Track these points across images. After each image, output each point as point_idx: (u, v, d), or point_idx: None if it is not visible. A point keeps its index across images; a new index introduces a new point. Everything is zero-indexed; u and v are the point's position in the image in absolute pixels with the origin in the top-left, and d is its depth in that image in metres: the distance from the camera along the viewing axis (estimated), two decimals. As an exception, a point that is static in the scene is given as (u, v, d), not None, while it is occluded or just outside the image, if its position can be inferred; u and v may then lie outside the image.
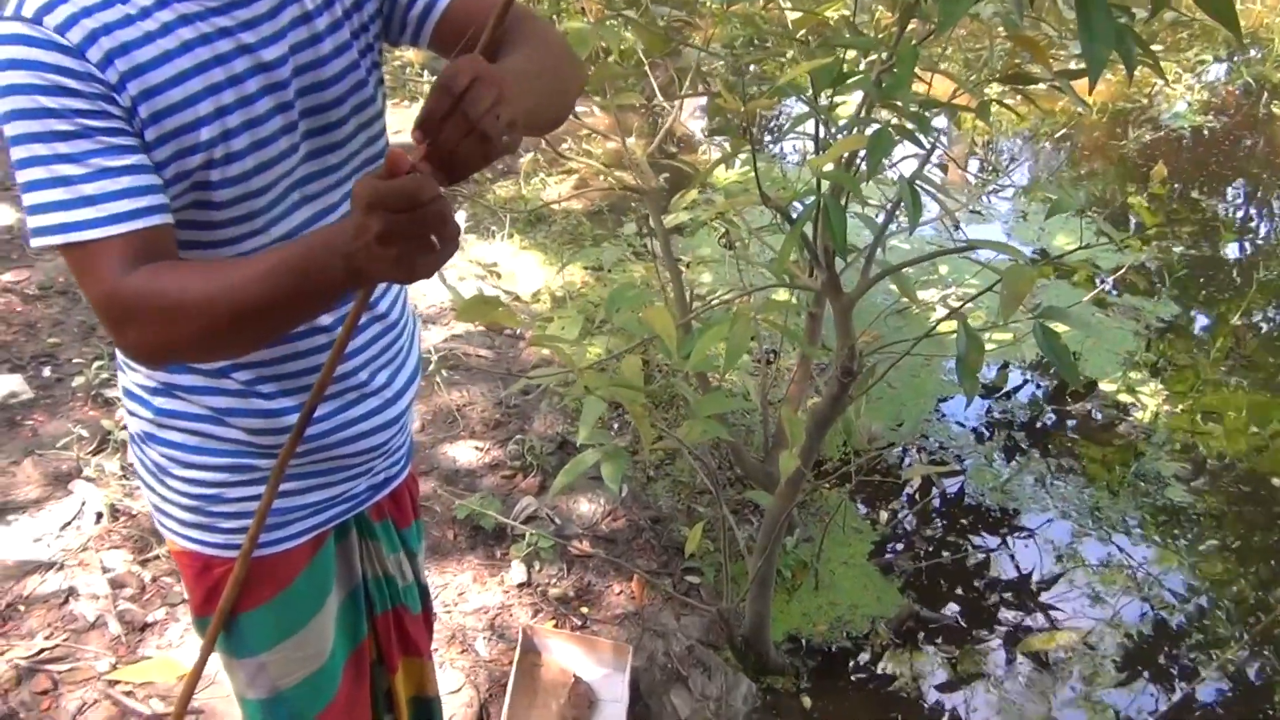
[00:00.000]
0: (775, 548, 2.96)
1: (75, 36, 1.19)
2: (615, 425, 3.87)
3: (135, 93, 1.22)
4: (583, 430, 2.63)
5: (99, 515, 3.17)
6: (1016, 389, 4.60)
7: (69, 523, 3.15)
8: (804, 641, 3.28)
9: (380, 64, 1.51)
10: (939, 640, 3.37)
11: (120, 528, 3.16)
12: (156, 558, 3.08)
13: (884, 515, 3.81)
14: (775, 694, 3.11)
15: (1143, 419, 4.34)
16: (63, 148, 1.20)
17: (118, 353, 1.56)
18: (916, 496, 3.97)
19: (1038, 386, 4.63)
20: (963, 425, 4.33)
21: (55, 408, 3.61)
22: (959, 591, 3.57)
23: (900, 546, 3.73)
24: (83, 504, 3.20)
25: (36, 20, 1.18)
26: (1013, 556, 3.72)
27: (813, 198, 2.15)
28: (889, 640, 3.32)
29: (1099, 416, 4.40)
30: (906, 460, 4.09)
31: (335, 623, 1.81)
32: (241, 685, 1.77)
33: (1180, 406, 4.44)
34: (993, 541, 3.77)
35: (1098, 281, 5.15)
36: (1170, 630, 3.47)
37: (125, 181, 1.22)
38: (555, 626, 3.06)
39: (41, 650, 2.79)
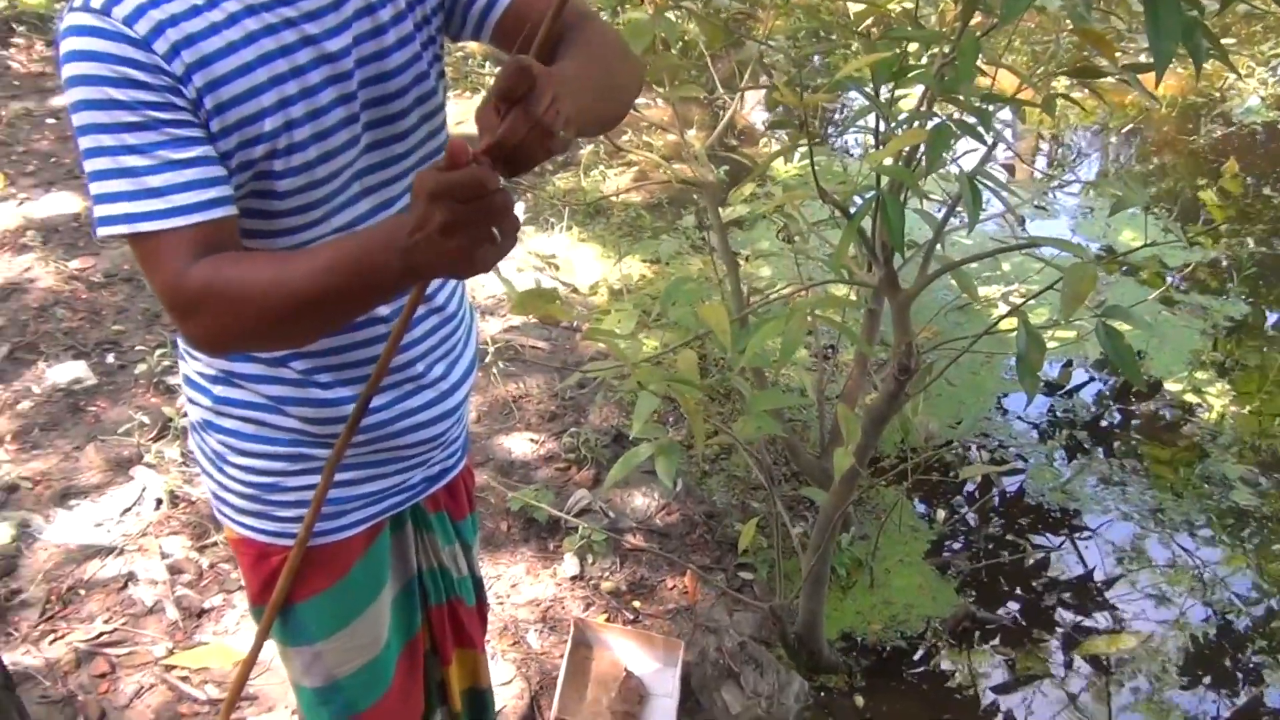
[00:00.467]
0: (829, 545, 2.93)
1: (142, 28, 1.19)
2: (670, 419, 3.85)
3: (201, 84, 1.23)
4: (636, 424, 2.62)
5: (159, 501, 3.21)
6: (1080, 387, 4.53)
7: (129, 508, 3.19)
8: (858, 640, 3.25)
9: (442, 56, 1.51)
10: (996, 641, 3.33)
11: (179, 514, 3.20)
12: (214, 544, 3.11)
13: (941, 514, 3.77)
14: (828, 692, 3.08)
15: (1209, 420, 4.26)
16: (129, 139, 1.21)
17: (179, 340, 1.58)
18: (975, 495, 3.92)
19: (1101, 385, 4.56)
20: (1024, 423, 4.27)
21: (118, 394, 3.66)
22: (1017, 592, 3.52)
23: (958, 546, 3.68)
24: (143, 490, 3.24)
25: (105, 11, 1.19)
26: (1073, 557, 3.67)
27: (871, 193, 2.13)
28: (945, 640, 3.29)
29: (1164, 416, 4.33)
30: (968, 458, 4.03)
31: (390, 614, 1.82)
32: (297, 673, 1.78)
33: (1248, 407, 4.35)
34: (1053, 541, 3.72)
35: (1165, 279, 5.06)
36: (1235, 633, 3.40)
37: (190, 174, 1.23)
38: (607, 620, 3.05)
39: (100, 634, 2.83)
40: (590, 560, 3.24)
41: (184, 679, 2.74)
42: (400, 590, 1.85)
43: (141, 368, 3.71)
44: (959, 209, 2.42)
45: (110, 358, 3.84)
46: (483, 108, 1.11)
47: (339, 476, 1.59)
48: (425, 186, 1.05)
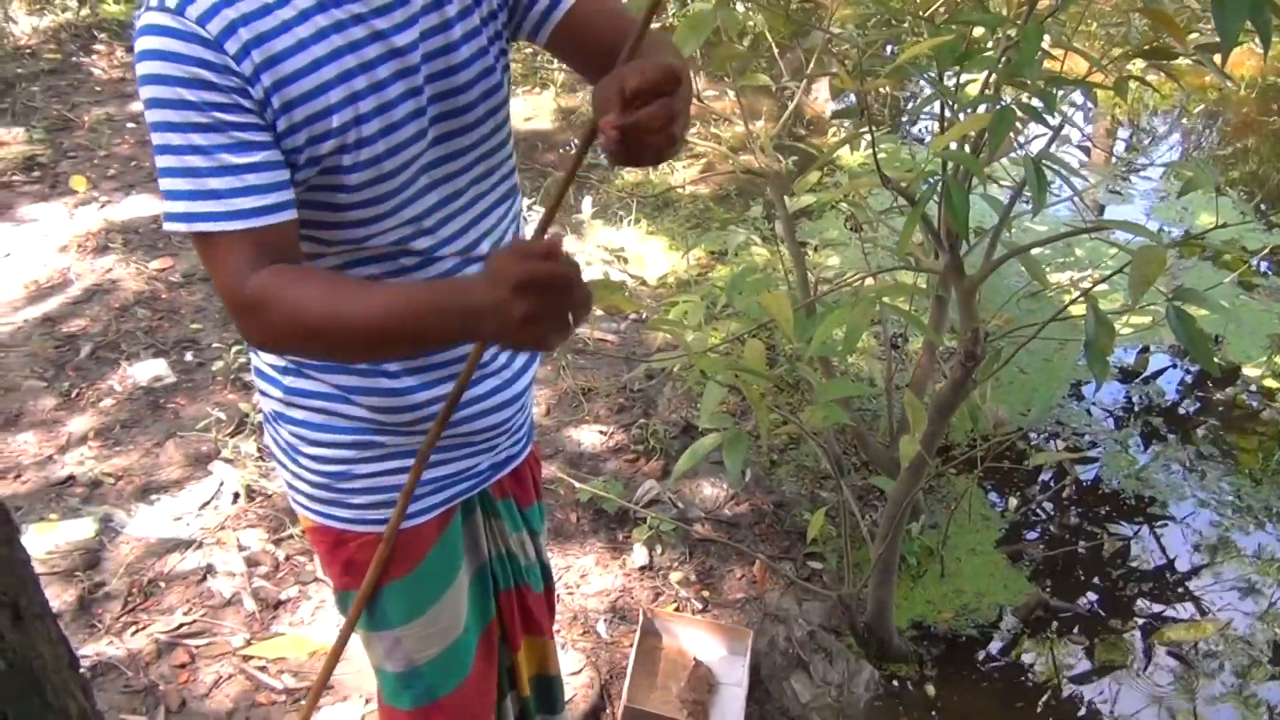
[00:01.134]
0: (898, 534, 2.92)
1: (215, 28, 1.22)
2: (739, 411, 3.85)
3: (269, 83, 1.26)
4: (704, 415, 2.63)
5: (236, 495, 3.28)
6: (1156, 374, 4.45)
7: (208, 502, 3.26)
8: (929, 629, 3.23)
9: (508, 51, 1.53)
10: (1071, 631, 3.29)
11: (256, 507, 3.26)
12: (290, 537, 3.17)
13: (1013, 502, 3.73)
14: (898, 681, 3.07)
15: (1289, 405, 4.17)
16: (196, 139, 1.24)
17: None
18: (1049, 484, 3.88)
19: (1178, 372, 4.48)
20: (1099, 411, 4.21)
21: (196, 391, 3.74)
22: (1093, 581, 3.47)
23: (1030, 535, 3.64)
24: (221, 484, 3.31)
25: (179, 11, 1.22)
26: (1151, 546, 3.61)
27: (936, 178, 2.11)
28: (1018, 629, 3.26)
29: (1243, 402, 4.24)
30: (1041, 447, 3.98)
31: (467, 600, 1.84)
32: (379, 657, 1.82)
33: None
34: (1128, 530, 3.66)
35: (1244, 263, 4.96)
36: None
37: (251, 179, 1.26)
38: (676, 610, 3.06)
39: (180, 625, 2.89)
40: (659, 551, 3.25)
41: (261, 669, 2.80)
42: (474, 576, 1.87)
43: (218, 365, 3.79)
44: (1026, 194, 2.39)
45: (189, 356, 3.93)
46: (606, 89, 1.15)
47: (407, 464, 1.61)
48: (512, 273, 1.08)
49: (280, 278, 1.27)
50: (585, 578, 3.16)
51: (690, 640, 2.94)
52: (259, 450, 3.42)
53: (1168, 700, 3.09)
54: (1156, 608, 3.38)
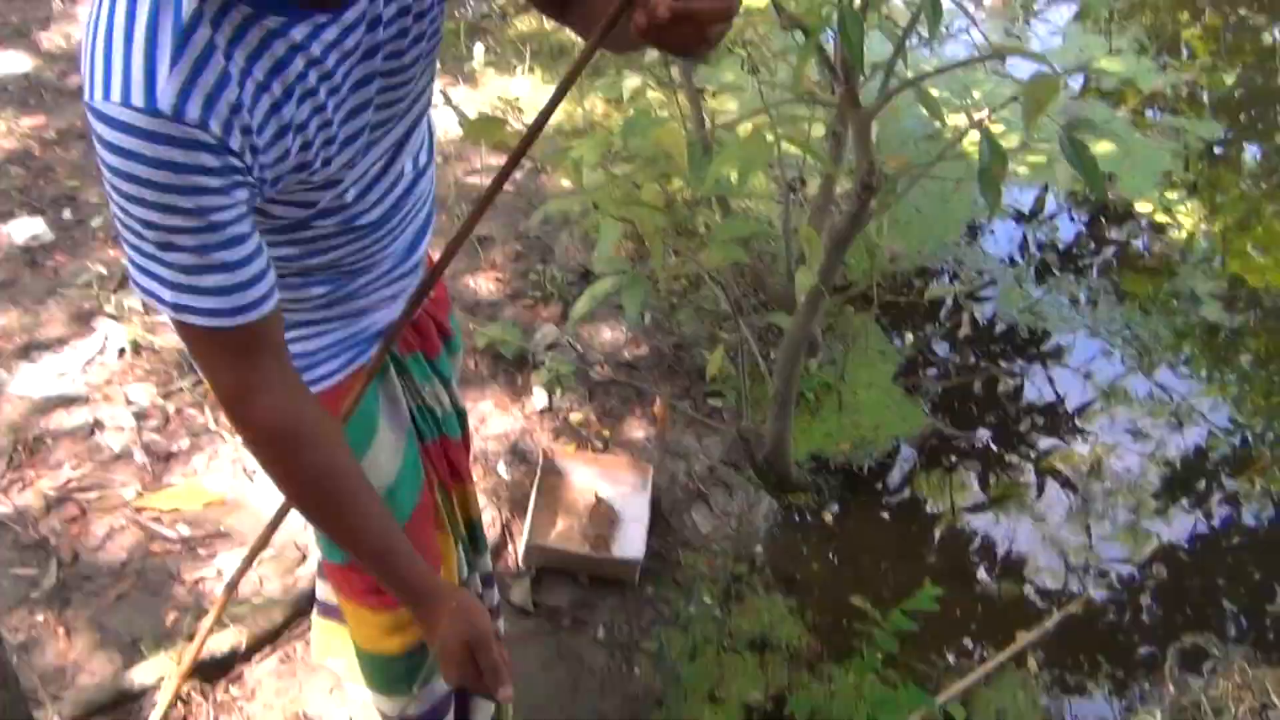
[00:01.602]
0: (796, 368, 2.93)
1: (217, 126, 1.09)
2: (637, 257, 3.82)
3: (250, 147, 1.15)
4: (600, 254, 2.60)
5: (121, 351, 3.19)
6: (1052, 216, 4.50)
7: (92, 359, 3.17)
8: (826, 461, 3.27)
9: None
10: (966, 461, 3.36)
11: (143, 362, 3.18)
12: (180, 391, 3.10)
13: (910, 338, 3.77)
14: (797, 511, 3.12)
15: (1179, 238, 4.24)
16: (187, 240, 1.13)
17: None
18: (944, 320, 3.92)
19: (1073, 212, 4.53)
20: (995, 250, 4.25)
21: (75, 249, 3.61)
22: (987, 414, 3.54)
23: (927, 369, 3.69)
24: (105, 340, 3.22)
25: (179, 117, 1.07)
26: (1043, 381, 3.68)
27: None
28: (914, 460, 3.32)
29: (1134, 238, 4.31)
30: (934, 284, 4.02)
31: (400, 459, 1.79)
32: None
33: (1218, 225, 4.34)
34: (1021, 365, 3.73)
35: (1140, 101, 5.00)
36: (1207, 454, 3.44)
37: (243, 274, 1.18)
38: (576, 449, 3.06)
39: (69, 480, 2.83)
40: (559, 393, 3.24)
41: (155, 520, 2.76)
42: (405, 433, 1.82)
43: (98, 221, 3.66)
44: (920, 24, 2.35)
45: (66, 213, 3.78)
46: None
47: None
48: (456, 659, 1.38)
49: (301, 427, 1.29)
50: (485, 421, 3.15)
51: (591, 477, 2.95)
52: (144, 305, 3.32)
53: (1059, 532, 3.18)
54: (1049, 441, 3.46)
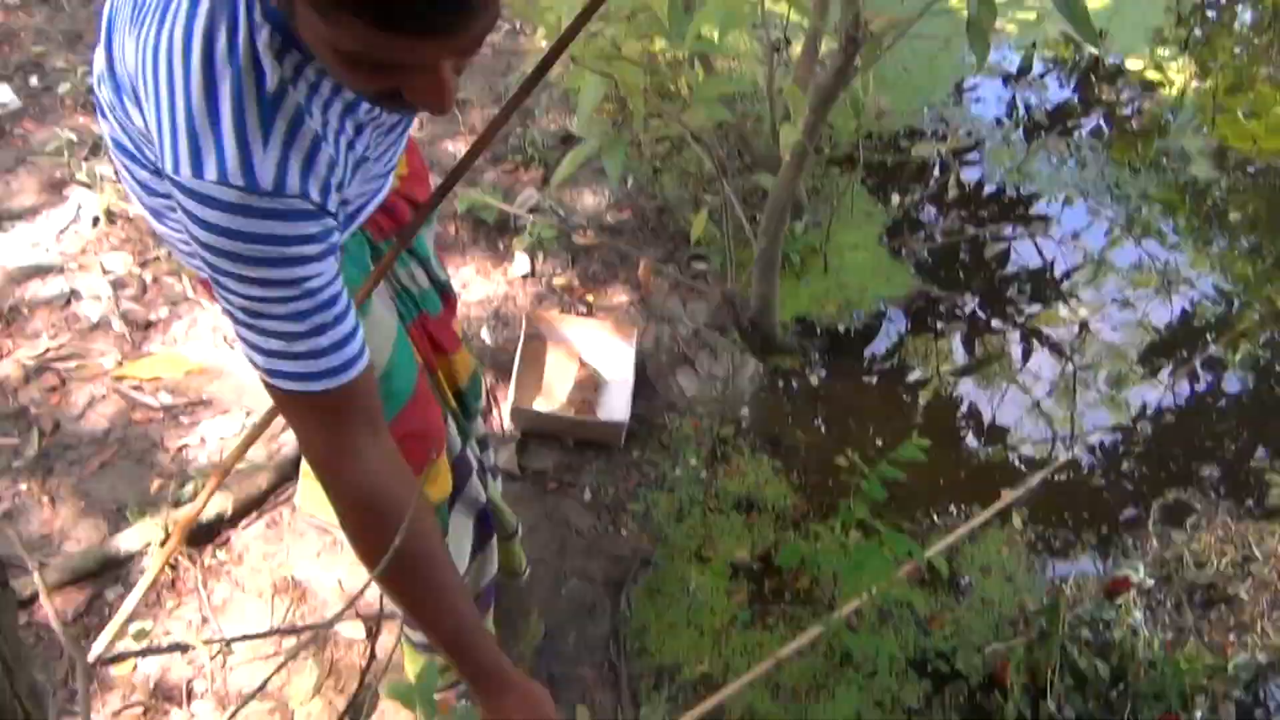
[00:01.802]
0: (781, 229, 2.89)
1: (316, 193, 1.08)
2: (618, 120, 3.74)
3: (341, 208, 1.16)
4: (580, 115, 2.53)
5: (95, 220, 3.13)
6: (1041, 75, 4.42)
7: (66, 228, 3.12)
8: (812, 323, 3.25)
9: None
10: (951, 322, 3.34)
11: (118, 231, 3.12)
12: (156, 259, 3.05)
13: (896, 200, 3.72)
14: (782, 374, 3.10)
15: (1169, 96, 4.18)
16: (285, 310, 1.11)
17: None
18: (930, 182, 3.87)
19: (1062, 71, 4.45)
20: (984, 110, 4.18)
21: (44, 115, 3.52)
22: (973, 278, 3.51)
23: (913, 232, 3.65)
24: (79, 209, 3.16)
25: (279, 192, 1.05)
26: (1030, 243, 3.64)
27: None
28: (899, 322, 3.30)
29: (1123, 98, 4.24)
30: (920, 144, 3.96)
31: (394, 338, 1.76)
32: None
33: (1209, 82, 4.27)
34: (1008, 228, 3.69)
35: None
36: (1192, 320, 3.43)
37: (338, 332, 1.15)
38: (560, 314, 3.04)
39: (47, 350, 2.80)
40: (541, 258, 3.20)
41: (136, 388, 2.73)
42: (395, 318, 1.78)
43: (65, 87, 3.57)
44: None
45: (34, 80, 3.68)
46: None
47: None
48: None
49: (399, 508, 1.22)
50: (467, 287, 3.11)
51: (575, 342, 2.93)
52: (117, 173, 3.24)
53: (1045, 396, 3.18)
54: (1036, 306, 3.43)
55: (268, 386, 1.18)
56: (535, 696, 1.34)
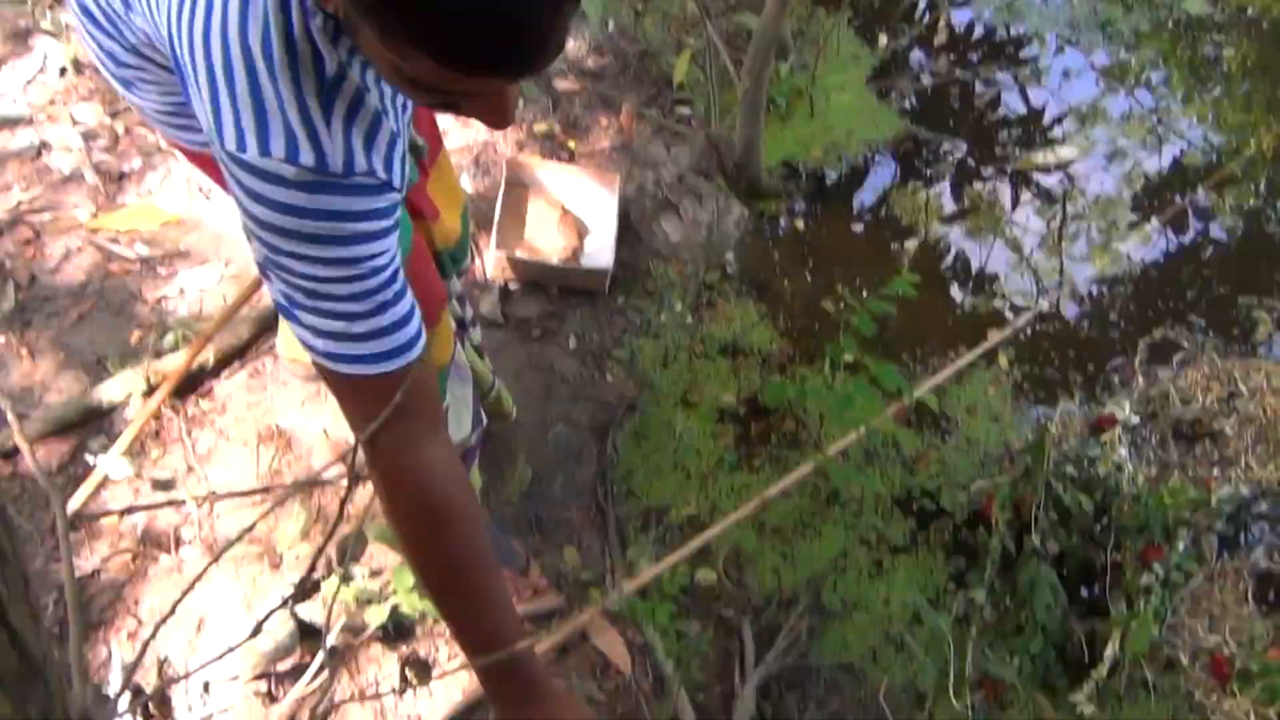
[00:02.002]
0: (765, 69, 2.83)
1: (380, 167, 1.06)
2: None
3: (402, 180, 1.12)
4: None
5: (63, 70, 3.05)
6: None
7: (33, 78, 3.03)
8: (798, 167, 3.21)
9: None
10: (939, 165, 3.30)
11: (86, 81, 3.04)
12: (128, 110, 2.98)
13: (883, 41, 3.64)
14: (768, 219, 3.07)
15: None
16: (349, 290, 1.09)
17: None
18: (919, 21, 3.78)
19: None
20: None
21: (4, -37, 3.41)
22: (962, 122, 3.45)
23: (901, 74, 3.58)
24: (45, 59, 3.07)
25: (349, 170, 1.03)
26: (1018, 87, 3.58)
27: None
28: (887, 166, 3.25)
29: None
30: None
31: None
32: None
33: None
34: (998, 69, 3.62)
35: None
36: (1183, 169, 3.39)
37: (398, 310, 1.13)
38: (542, 161, 2.98)
39: (20, 203, 2.74)
40: (522, 104, 3.13)
41: (112, 240, 2.68)
42: None
43: (25, -67, 3.44)
44: None
45: (-8, -73, 3.56)
46: None
47: None
48: None
49: (454, 506, 1.21)
50: (446, 134, 3.04)
51: (557, 188, 2.88)
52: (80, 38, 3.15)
53: (1033, 242, 3.15)
54: (1025, 152, 3.38)
55: (325, 373, 1.15)
56: (573, 709, 1.29)
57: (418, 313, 1.16)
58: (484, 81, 0.88)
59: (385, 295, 1.10)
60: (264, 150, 0.99)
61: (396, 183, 1.08)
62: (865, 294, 2.90)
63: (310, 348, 1.13)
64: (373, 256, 1.07)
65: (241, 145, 1.00)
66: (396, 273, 1.12)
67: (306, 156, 0.99)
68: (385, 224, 1.08)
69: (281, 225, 1.03)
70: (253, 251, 1.09)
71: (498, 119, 0.96)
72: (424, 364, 1.19)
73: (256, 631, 1.13)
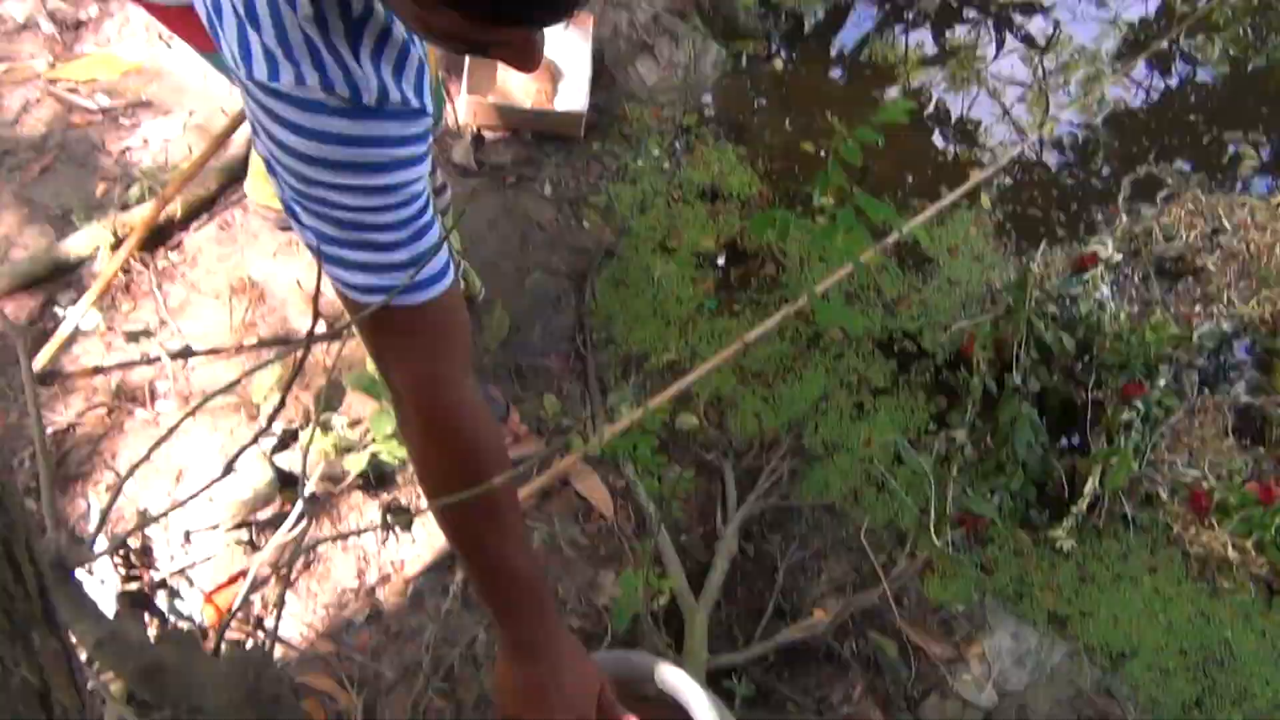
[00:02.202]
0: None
1: (413, 96, 1.04)
2: None
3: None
4: None
5: (11, -87, 2.93)
6: None
7: (-20, -76, 2.91)
8: (777, 5, 3.12)
9: None
10: (921, 2, 3.21)
11: (36, -75, 2.92)
12: (81, -45, 2.87)
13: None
14: (746, 59, 2.99)
15: None
16: (378, 219, 1.07)
17: None
18: None
19: None
20: None
21: None
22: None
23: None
24: (-9, -98, 2.95)
25: (383, 98, 1.01)
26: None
27: None
28: (867, 3, 3.16)
29: None
30: None
31: None
32: None
33: None
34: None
35: None
36: (1167, 5, 3.31)
37: (427, 242, 1.11)
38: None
39: (-28, 55, 2.66)
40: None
41: (72, 91, 2.60)
42: None
43: None
44: None
45: None
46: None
47: None
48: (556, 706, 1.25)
49: (489, 449, 1.21)
50: None
51: (529, 31, 2.79)
52: None
53: (1015, 88, 3.08)
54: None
55: (359, 312, 1.12)
56: (578, 663, 1.28)
57: (444, 245, 1.14)
58: (511, 31, 0.89)
59: (423, 220, 1.10)
60: (300, 79, 0.98)
61: (430, 108, 1.07)
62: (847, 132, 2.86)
63: (348, 285, 1.11)
64: (410, 183, 1.07)
65: (274, 75, 0.98)
66: (430, 198, 1.12)
67: (342, 87, 0.98)
68: (421, 149, 1.07)
69: (320, 155, 1.01)
70: (278, 189, 1.08)
71: (525, 63, 0.95)
72: (458, 301, 1.19)
73: (228, 470, 1.11)
